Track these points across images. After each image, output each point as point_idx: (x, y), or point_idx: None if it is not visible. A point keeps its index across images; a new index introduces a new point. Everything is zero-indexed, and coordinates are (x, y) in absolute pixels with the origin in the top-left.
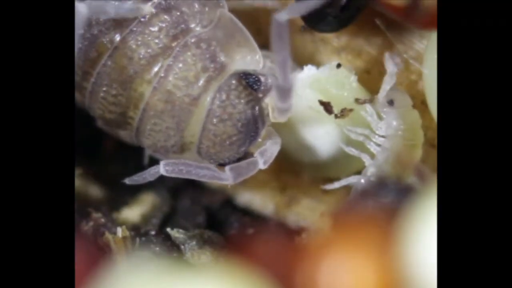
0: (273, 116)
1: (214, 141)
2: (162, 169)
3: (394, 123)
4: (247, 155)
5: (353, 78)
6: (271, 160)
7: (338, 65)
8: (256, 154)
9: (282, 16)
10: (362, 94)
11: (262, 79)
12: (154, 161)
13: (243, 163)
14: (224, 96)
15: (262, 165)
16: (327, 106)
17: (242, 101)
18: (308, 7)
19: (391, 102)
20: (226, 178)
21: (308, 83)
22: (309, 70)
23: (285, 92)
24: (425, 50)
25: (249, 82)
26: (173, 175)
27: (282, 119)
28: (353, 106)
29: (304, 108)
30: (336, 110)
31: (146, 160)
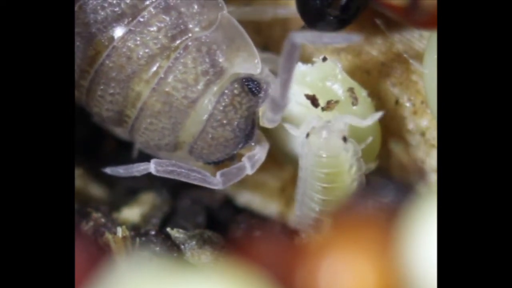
0: (262, 121)
1: (210, 144)
2: (152, 168)
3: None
4: (234, 156)
5: (338, 70)
6: (258, 165)
7: (324, 59)
8: (244, 159)
9: (298, 39)
10: (350, 84)
11: (263, 85)
12: (143, 155)
13: (233, 168)
14: (227, 101)
15: (249, 170)
16: (313, 100)
17: (244, 106)
18: (326, 41)
19: (344, 139)
20: (216, 183)
21: (295, 80)
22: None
23: (279, 107)
24: (425, 50)
25: (251, 87)
26: (162, 175)
27: (269, 126)
28: (339, 98)
29: (292, 104)
30: (322, 103)
31: (135, 154)
